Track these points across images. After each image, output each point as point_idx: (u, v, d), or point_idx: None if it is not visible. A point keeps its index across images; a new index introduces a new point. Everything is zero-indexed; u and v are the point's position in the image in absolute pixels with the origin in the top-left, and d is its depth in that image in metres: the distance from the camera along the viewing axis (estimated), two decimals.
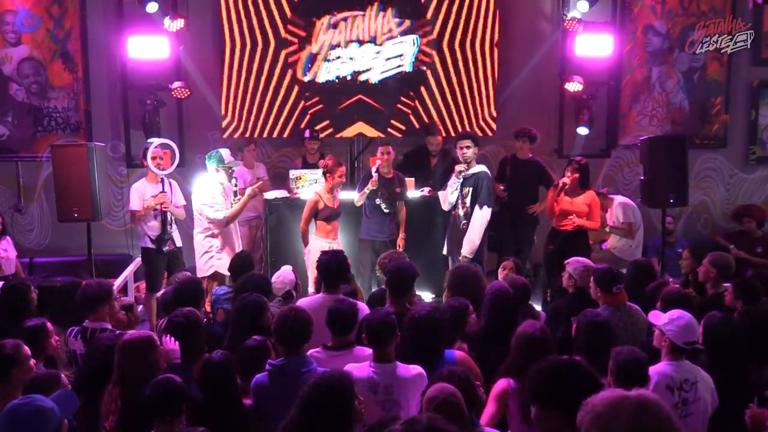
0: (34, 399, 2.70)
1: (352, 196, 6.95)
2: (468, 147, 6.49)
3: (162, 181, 6.64)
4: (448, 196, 6.60)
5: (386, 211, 6.81)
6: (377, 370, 3.59)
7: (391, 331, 3.67)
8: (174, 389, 3.19)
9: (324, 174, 6.60)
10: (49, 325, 4.19)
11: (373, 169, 6.75)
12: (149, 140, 7.71)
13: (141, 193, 6.68)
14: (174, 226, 6.76)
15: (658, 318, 3.86)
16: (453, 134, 8.01)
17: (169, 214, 6.64)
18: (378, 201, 6.78)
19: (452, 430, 2.04)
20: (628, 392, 2.01)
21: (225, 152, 6.59)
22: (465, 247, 6.43)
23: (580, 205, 6.71)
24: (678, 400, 3.60)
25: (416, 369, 3.64)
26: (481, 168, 6.57)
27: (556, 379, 2.71)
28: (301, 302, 4.66)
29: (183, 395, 3.22)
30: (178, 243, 6.82)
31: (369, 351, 3.90)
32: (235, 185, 6.65)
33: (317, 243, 6.42)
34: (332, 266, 4.74)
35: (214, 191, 6.51)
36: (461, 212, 6.54)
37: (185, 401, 3.23)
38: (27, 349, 3.66)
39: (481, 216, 6.41)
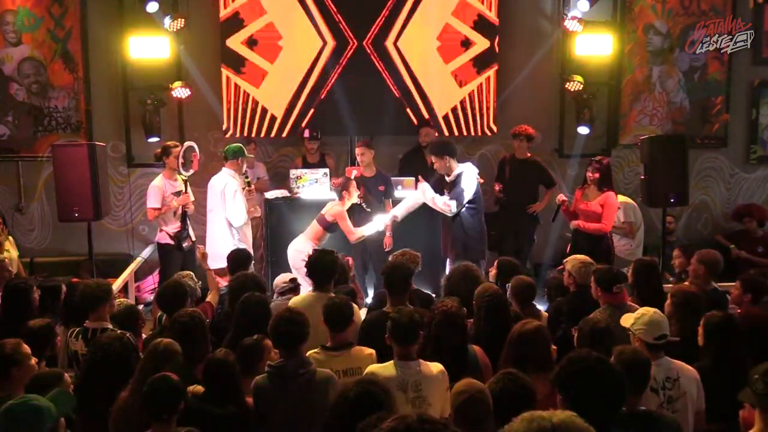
0: (29, 398, 2.70)
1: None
2: (433, 162, 6.49)
3: (186, 181, 6.74)
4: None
5: (368, 210, 6.79)
6: (403, 368, 3.55)
7: (418, 330, 3.65)
8: (171, 388, 3.19)
9: (340, 192, 6.64)
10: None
11: (351, 177, 6.76)
12: (149, 139, 7.74)
13: (163, 191, 6.73)
14: (188, 222, 6.89)
15: (627, 321, 3.84)
16: (456, 134, 8.06)
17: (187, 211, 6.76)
18: (359, 202, 6.78)
19: (441, 426, 1.99)
20: (551, 414, 1.86)
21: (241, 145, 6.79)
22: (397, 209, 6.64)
23: (594, 206, 6.58)
24: (663, 400, 3.58)
25: (437, 366, 3.62)
26: (460, 170, 6.42)
27: (581, 371, 2.74)
28: (291, 301, 4.70)
29: (180, 394, 3.22)
30: (193, 237, 6.93)
31: (368, 351, 3.91)
32: (247, 176, 6.79)
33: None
34: (318, 266, 4.78)
35: (239, 194, 6.61)
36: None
37: (182, 400, 3.23)
38: (27, 348, 3.64)
39: (437, 201, 6.38)
